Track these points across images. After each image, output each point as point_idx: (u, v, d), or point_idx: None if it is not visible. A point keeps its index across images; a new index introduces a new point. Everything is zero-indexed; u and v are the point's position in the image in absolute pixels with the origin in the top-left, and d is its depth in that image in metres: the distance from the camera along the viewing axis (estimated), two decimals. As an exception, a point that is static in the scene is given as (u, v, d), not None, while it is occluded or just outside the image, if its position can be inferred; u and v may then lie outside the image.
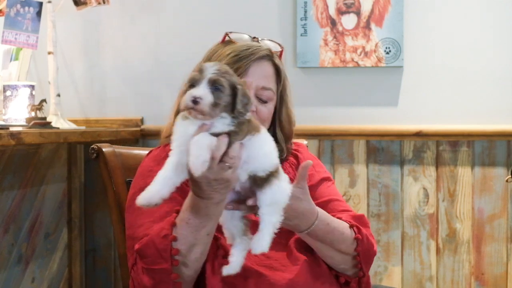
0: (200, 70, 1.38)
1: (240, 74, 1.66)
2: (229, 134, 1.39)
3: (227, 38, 1.77)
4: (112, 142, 2.05)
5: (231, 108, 1.38)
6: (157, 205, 1.40)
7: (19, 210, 2.71)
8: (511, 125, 2.76)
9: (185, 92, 1.39)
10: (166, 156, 1.56)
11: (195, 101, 1.34)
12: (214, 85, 1.36)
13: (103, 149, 1.94)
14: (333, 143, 2.87)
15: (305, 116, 2.89)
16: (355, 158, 2.85)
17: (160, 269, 1.51)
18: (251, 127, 1.44)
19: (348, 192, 2.86)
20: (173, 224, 1.51)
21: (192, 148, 1.35)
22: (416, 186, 2.82)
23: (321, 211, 1.60)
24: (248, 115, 1.43)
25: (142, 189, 1.60)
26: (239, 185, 1.49)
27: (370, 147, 2.85)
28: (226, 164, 1.38)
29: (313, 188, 1.74)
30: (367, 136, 2.84)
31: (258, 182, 1.46)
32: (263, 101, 1.73)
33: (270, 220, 1.48)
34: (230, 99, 1.38)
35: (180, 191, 1.54)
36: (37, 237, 2.81)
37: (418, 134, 2.79)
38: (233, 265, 1.52)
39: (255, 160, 1.45)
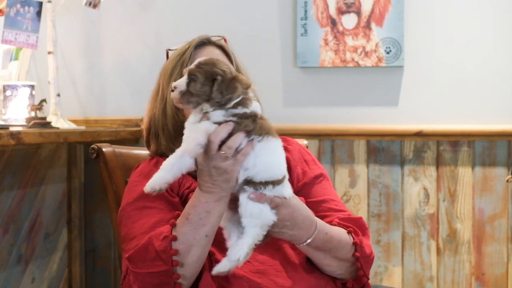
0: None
1: (187, 65, 1.69)
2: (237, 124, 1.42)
3: (169, 53, 1.81)
4: (112, 142, 2.05)
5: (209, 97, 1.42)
6: (161, 191, 1.44)
7: (19, 210, 2.71)
8: (512, 125, 2.76)
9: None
10: (152, 170, 1.60)
11: (172, 89, 1.43)
12: (190, 76, 1.42)
13: (103, 149, 1.93)
14: (333, 143, 2.86)
15: (305, 116, 2.88)
16: (355, 158, 2.85)
17: (159, 272, 1.49)
18: (259, 127, 1.44)
19: (348, 192, 2.86)
20: (173, 225, 1.50)
21: (192, 131, 1.41)
22: (417, 186, 2.82)
23: (319, 220, 1.57)
24: (252, 112, 1.42)
25: (129, 204, 1.62)
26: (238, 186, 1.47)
27: (370, 147, 2.85)
28: (222, 152, 1.40)
29: (307, 187, 1.73)
30: (367, 136, 2.83)
31: (251, 187, 1.45)
32: None
33: (251, 232, 1.44)
34: (208, 89, 1.41)
35: (169, 203, 1.54)
36: (37, 237, 2.81)
37: (419, 134, 2.79)
38: (223, 263, 1.46)
39: (254, 166, 1.44)
